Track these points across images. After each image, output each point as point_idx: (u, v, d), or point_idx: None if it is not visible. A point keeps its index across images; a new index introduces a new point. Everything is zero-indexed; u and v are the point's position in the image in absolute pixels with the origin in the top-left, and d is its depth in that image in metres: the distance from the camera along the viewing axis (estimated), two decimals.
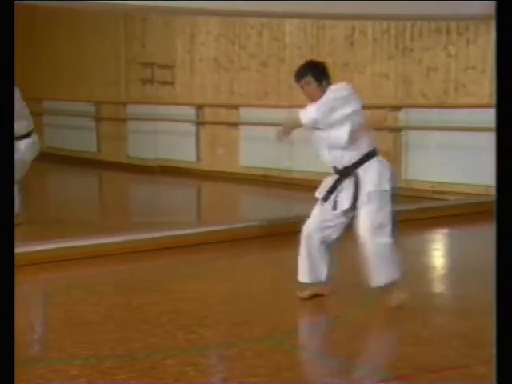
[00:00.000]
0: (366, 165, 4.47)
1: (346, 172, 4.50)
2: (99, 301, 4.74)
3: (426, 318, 4.23)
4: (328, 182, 4.61)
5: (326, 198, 4.57)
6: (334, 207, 4.53)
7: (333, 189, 4.54)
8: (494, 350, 2.42)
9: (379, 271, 4.43)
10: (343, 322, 4.31)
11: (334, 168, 4.58)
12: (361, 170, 4.46)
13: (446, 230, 7.40)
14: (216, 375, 3.60)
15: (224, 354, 3.82)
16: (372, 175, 4.44)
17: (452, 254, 6.62)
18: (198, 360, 3.69)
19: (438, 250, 6.36)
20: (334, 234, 4.64)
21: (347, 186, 4.49)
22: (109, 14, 12.20)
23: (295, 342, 4.04)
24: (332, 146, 4.49)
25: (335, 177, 4.57)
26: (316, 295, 4.72)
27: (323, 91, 4.43)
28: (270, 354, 3.73)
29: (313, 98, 4.47)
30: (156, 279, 5.36)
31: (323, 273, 4.70)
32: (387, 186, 4.45)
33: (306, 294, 4.70)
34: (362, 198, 4.43)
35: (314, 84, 4.48)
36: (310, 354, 3.88)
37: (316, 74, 4.50)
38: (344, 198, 4.50)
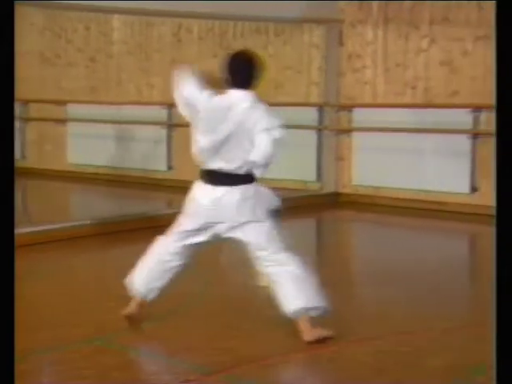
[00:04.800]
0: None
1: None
2: None
3: (248, 311, 4.36)
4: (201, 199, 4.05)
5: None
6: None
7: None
8: (494, 353, 2.42)
9: (294, 293, 3.94)
10: (171, 319, 4.34)
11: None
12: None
13: None
14: (42, 381, 3.53)
15: (50, 358, 3.75)
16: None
17: None
18: (20, 367, 3.51)
19: None
20: (187, 258, 4.20)
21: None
22: None
23: (123, 342, 4.01)
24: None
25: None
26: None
27: None
28: (97, 355, 3.72)
29: None
30: None
31: (155, 292, 4.23)
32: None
33: (129, 311, 4.25)
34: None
35: None
36: (138, 353, 3.89)
37: None
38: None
